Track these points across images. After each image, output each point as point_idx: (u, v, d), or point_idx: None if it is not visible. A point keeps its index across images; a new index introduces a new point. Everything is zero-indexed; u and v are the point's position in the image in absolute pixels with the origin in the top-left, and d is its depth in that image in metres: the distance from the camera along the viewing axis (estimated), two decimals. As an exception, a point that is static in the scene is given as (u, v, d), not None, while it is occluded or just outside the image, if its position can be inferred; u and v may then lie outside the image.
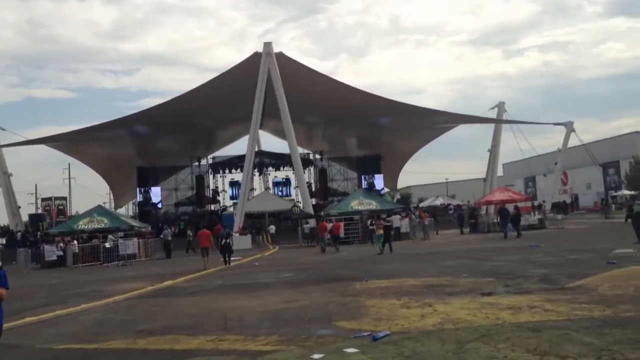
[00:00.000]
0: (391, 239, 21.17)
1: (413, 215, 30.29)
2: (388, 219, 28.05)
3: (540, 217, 30.16)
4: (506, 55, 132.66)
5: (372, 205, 29.28)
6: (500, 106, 46.75)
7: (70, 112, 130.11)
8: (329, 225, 26.20)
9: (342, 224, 27.79)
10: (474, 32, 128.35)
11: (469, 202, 45.07)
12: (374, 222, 27.72)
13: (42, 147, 46.92)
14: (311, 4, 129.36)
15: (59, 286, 16.22)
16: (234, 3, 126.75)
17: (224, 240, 19.89)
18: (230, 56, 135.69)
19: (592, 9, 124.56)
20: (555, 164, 44.40)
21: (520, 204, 31.75)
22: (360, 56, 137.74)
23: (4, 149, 42.22)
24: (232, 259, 20.32)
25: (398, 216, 28.46)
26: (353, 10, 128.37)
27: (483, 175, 47.91)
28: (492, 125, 46.56)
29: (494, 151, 48.67)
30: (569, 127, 42.72)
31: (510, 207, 27.71)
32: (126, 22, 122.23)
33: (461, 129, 52.46)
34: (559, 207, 40.78)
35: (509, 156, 76.00)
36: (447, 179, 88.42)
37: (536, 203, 39.19)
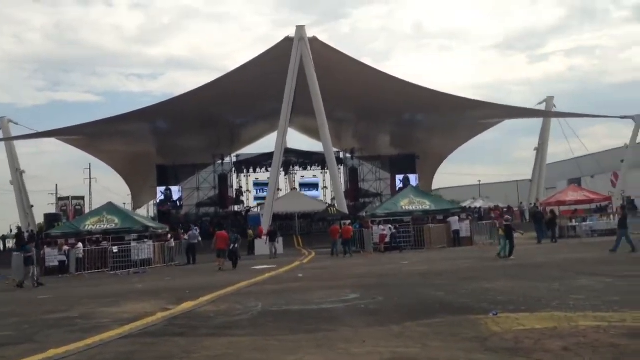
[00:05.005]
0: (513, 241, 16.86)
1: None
2: (448, 220, 24.12)
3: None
4: (531, 60, 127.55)
5: (425, 204, 25.00)
6: (549, 101, 42.59)
7: (96, 115, 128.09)
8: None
9: (352, 227, 25.35)
10: (498, 36, 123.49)
11: (533, 203, 39.78)
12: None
13: (69, 149, 44.14)
14: (334, 9, 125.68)
15: (44, 305, 12.34)
16: (257, 9, 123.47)
17: (232, 245, 20.17)
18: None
19: (620, 14, 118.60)
20: (622, 161, 39.62)
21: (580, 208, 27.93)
22: (383, 60, 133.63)
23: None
24: (265, 267, 18.84)
25: (456, 218, 24.22)
26: (376, 15, 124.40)
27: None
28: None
29: (541, 149, 44.53)
30: (638, 120, 37.98)
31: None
32: (151, 27, 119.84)
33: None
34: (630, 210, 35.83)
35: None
36: (479, 180, 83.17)
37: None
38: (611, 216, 26.33)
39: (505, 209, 38.22)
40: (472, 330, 6.34)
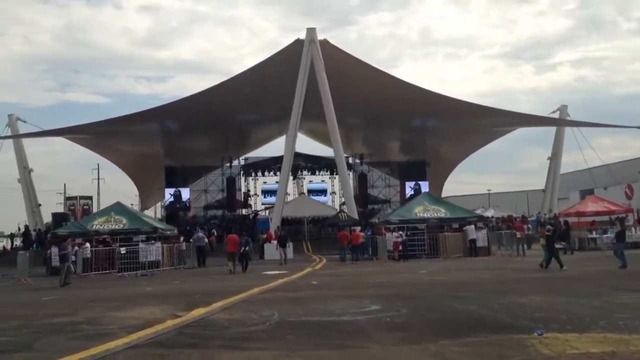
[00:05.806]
0: (557, 253, 16.31)
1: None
2: (464, 228, 23.41)
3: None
4: (538, 69, 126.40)
5: (441, 212, 24.31)
6: (563, 109, 41.80)
7: (105, 117, 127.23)
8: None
9: (362, 233, 25.20)
10: (506, 45, 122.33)
11: (550, 214, 39.01)
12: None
13: (78, 149, 44.29)
14: (342, 16, 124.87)
15: (47, 307, 11.76)
16: (266, 14, 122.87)
17: (242, 248, 20.03)
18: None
19: (628, 26, 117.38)
20: None
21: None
22: (390, 67, 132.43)
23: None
24: (276, 272, 18.41)
25: (473, 226, 23.48)
26: (384, 22, 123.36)
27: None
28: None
29: (555, 159, 43.82)
30: (656, 130, 37.12)
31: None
32: (160, 30, 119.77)
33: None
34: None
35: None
36: (489, 190, 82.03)
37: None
38: (632, 229, 25.58)
39: (518, 219, 37.47)
40: (520, 353, 5.68)
